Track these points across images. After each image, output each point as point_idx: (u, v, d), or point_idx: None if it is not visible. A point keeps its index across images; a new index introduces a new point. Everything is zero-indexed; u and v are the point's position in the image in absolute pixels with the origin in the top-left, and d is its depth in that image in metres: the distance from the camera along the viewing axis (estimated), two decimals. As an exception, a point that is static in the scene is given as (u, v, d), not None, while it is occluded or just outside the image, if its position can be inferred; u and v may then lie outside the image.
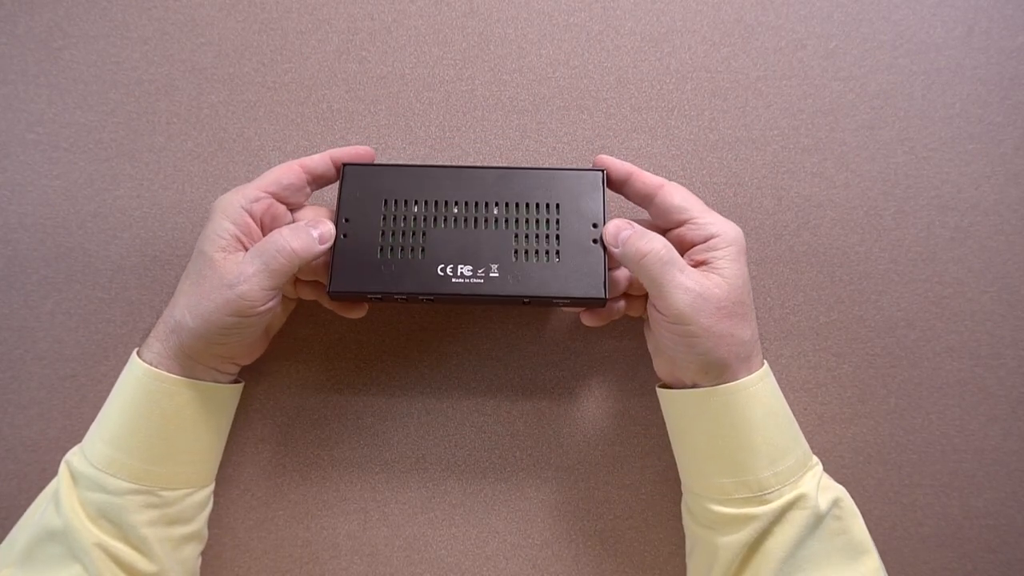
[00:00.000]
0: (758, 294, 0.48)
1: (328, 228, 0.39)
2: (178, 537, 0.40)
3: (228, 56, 0.49)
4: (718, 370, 0.38)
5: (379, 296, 0.40)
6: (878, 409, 0.48)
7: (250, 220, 0.39)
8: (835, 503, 0.38)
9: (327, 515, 0.47)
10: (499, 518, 0.47)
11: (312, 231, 0.39)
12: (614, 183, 0.42)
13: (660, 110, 0.49)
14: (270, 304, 0.38)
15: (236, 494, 0.47)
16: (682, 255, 0.39)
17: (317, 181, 0.42)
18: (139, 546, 0.38)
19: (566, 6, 0.49)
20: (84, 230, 0.48)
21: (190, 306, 0.38)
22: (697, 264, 0.39)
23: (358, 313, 0.44)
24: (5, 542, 0.39)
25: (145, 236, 0.48)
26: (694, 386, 0.39)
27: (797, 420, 0.46)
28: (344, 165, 0.42)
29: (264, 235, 0.40)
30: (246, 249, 0.39)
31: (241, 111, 0.49)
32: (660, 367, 0.42)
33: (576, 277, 0.40)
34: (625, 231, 0.39)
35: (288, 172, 0.41)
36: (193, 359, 0.39)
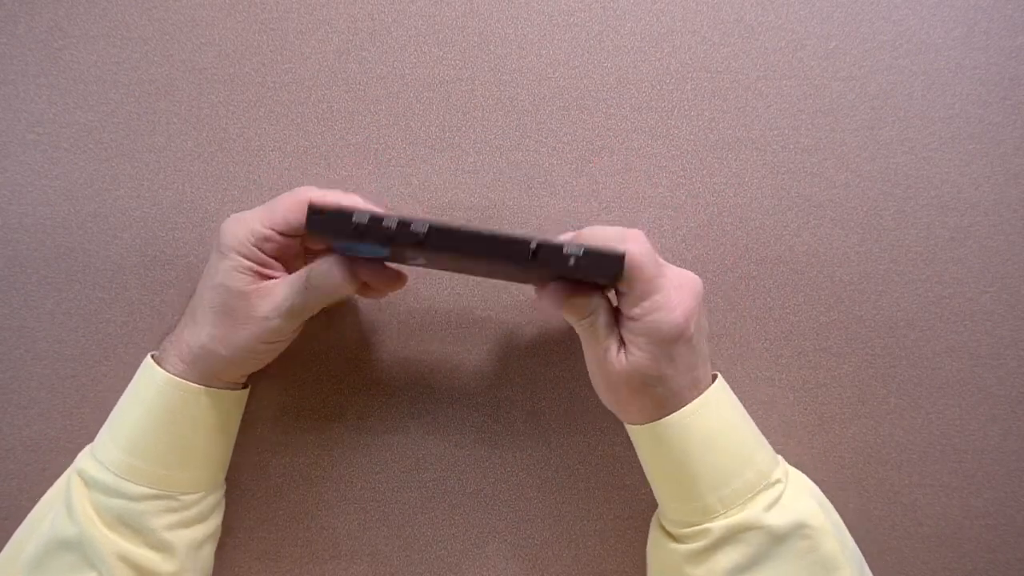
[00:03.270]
0: (758, 294, 0.48)
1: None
2: (198, 538, 0.41)
3: (228, 56, 0.49)
4: (640, 413, 0.39)
5: (364, 227, 0.33)
6: (878, 409, 0.48)
7: (263, 256, 0.39)
8: (800, 524, 0.37)
9: (327, 515, 0.47)
10: (499, 518, 0.47)
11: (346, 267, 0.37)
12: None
13: (660, 110, 0.49)
14: (299, 326, 0.40)
15: (236, 494, 0.47)
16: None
17: None
18: (161, 549, 0.39)
19: (566, 6, 0.49)
20: (84, 230, 0.48)
21: (222, 338, 0.39)
22: (621, 339, 0.38)
23: (379, 286, 0.40)
24: (7, 549, 0.39)
25: (145, 236, 0.48)
26: None
27: (797, 420, 0.46)
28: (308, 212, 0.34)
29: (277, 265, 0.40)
30: (265, 277, 0.39)
31: (241, 111, 0.49)
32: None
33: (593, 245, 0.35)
34: (570, 287, 0.37)
35: (296, 211, 0.38)
36: (217, 376, 0.40)
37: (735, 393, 0.48)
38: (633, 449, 0.46)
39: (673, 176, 0.48)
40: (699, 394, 0.39)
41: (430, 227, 0.34)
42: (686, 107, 0.49)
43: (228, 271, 0.38)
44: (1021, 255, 0.48)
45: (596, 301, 0.38)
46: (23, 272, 0.48)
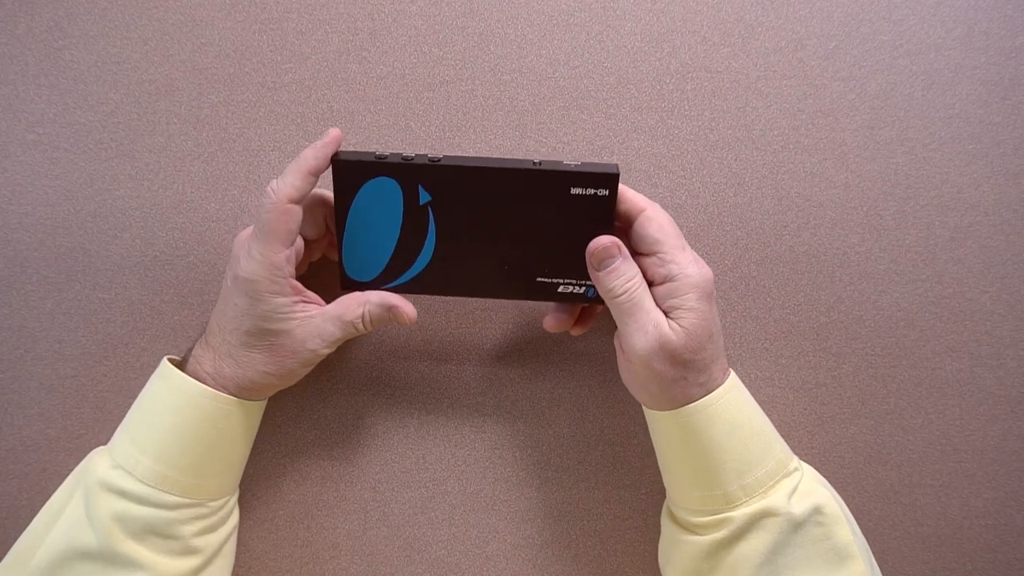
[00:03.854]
0: (759, 294, 0.48)
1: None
2: (222, 539, 0.42)
3: (228, 56, 0.49)
4: (672, 401, 0.39)
5: (380, 163, 0.40)
6: (878, 409, 0.48)
7: (295, 282, 0.40)
8: (816, 510, 0.37)
9: (327, 515, 0.47)
10: (499, 518, 0.47)
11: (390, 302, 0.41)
12: None
13: (660, 110, 0.49)
14: None
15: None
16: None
17: (305, 199, 0.41)
18: (188, 554, 0.39)
19: (566, 6, 0.49)
20: (84, 230, 0.48)
21: (274, 373, 0.40)
22: (664, 309, 0.39)
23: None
24: (14, 554, 0.38)
25: (145, 236, 0.48)
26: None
27: (797, 420, 0.46)
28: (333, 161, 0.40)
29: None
30: (298, 301, 0.40)
31: (241, 111, 0.49)
32: (628, 386, 0.42)
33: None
34: (608, 260, 0.39)
35: (291, 218, 0.39)
36: (256, 393, 0.41)
37: (735, 393, 0.48)
38: (633, 449, 0.46)
39: (673, 176, 0.48)
40: (722, 382, 0.39)
41: (443, 157, 0.40)
42: (686, 107, 0.49)
43: (268, 315, 0.39)
44: (1021, 255, 0.48)
45: (630, 265, 0.39)
46: (23, 272, 0.48)
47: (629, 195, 0.41)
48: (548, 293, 0.42)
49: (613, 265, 0.39)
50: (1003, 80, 0.48)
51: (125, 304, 0.48)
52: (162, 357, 0.42)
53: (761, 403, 0.48)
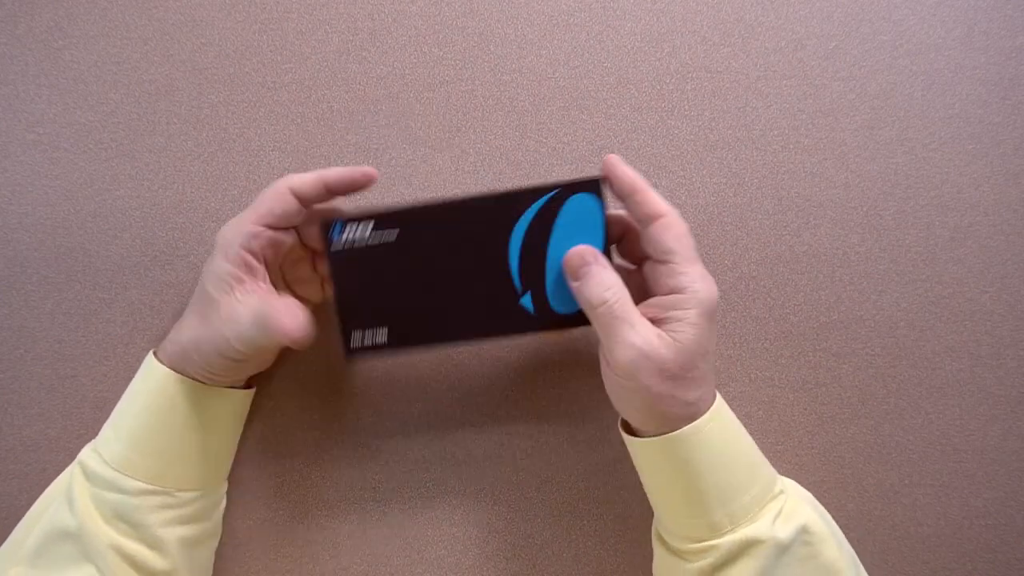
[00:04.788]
0: (759, 294, 0.48)
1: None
2: (193, 536, 0.41)
3: (228, 56, 0.49)
4: (658, 422, 0.38)
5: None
6: (878, 409, 0.48)
7: (250, 258, 0.39)
8: (803, 530, 0.37)
9: (327, 515, 0.47)
10: (499, 518, 0.47)
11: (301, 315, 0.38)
12: (616, 192, 0.40)
13: (660, 110, 0.49)
14: (270, 356, 0.43)
15: (236, 494, 0.47)
16: (647, 294, 0.39)
17: (309, 204, 0.41)
18: (155, 545, 0.39)
19: (566, 6, 0.49)
20: (84, 230, 0.48)
21: (195, 341, 0.39)
22: (656, 321, 0.37)
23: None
24: (10, 541, 0.39)
25: (145, 236, 0.48)
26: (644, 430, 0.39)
27: (797, 420, 0.46)
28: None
29: (267, 267, 0.40)
30: (242, 281, 0.39)
31: (241, 111, 0.49)
32: (613, 400, 0.41)
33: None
34: (585, 267, 0.38)
35: (279, 200, 0.39)
36: (210, 375, 0.40)
37: (734, 394, 0.48)
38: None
39: (673, 176, 0.48)
40: (708, 408, 0.38)
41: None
42: (686, 107, 0.49)
43: (209, 274, 0.39)
44: (1021, 255, 0.48)
45: (609, 273, 0.38)
46: (23, 272, 0.48)
47: (651, 197, 0.39)
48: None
49: (589, 269, 0.38)
50: (1003, 80, 0.48)
51: (125, 304, 0.48)
52: (162, 357, 0.42)
53: (761, 403, 0.48)
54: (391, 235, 0.40)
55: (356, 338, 0.41)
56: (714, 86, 0.49)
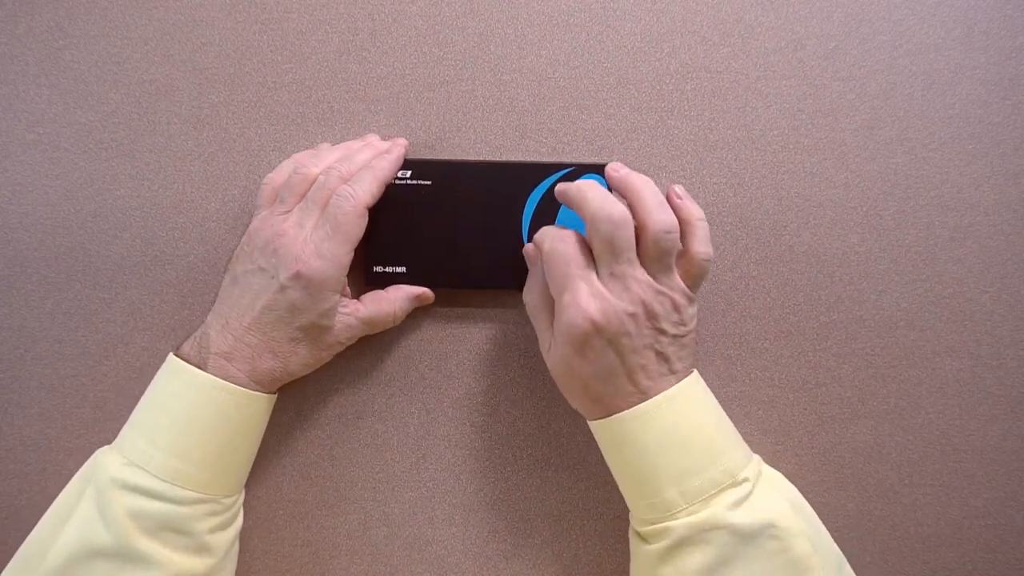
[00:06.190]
0: (759, 294, 0.48)
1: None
2: (232, 537, 0.42)
3: (228, 56, 0.49)
4: (600, 408, 0.40)
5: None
6: (878, 409, 0.48)
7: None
8: (769, 524, 0.37)
9: (327, 515, 0.47)
10: (499, 518, 0.47)
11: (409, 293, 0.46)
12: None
13: (660, 110, 0.49)
14: None
15: (236, 494, 0.47)
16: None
17: None
18: (201, 550, 0.39)
19: (566, 6, 0.49)
20: (84, 230, 0.48)
21: (312, 362, 0.43)
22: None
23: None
24: (20, 560, 0.38)
25: (145, 236, 0.48)
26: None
27: (797, 420, 0.46)
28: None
29: None
30: (342, 296, 0.43)
31: (241, 111, 0.49)
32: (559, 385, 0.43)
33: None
34: (531, 265, 0.43)
35: (362, 222, 0.41)
36: (271, 383, 0.42)
37: (734, 394, 0.48)
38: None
39: (673, 176, 0.48)
40: (654, 395, 0.38)
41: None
42: (686, 107, 0.49)
43: (327, 312, 0.41)
44: (1021, 255, 0.48)
45: (536, 275, 0.42)
46: (23, 272, 0.48)
47: (686, 203, 0.42)
48: None
49: (532, 271, 0.43)
50: (1003, 80, 0.48)
51: (125, 304, 0.48)
52: (162, 356, 0.42)
53: (761, 403, 0.48)
54: (424, 185, 0.45)
55: (378, 268, 0.46)
56: (714, 86, 0.49)
